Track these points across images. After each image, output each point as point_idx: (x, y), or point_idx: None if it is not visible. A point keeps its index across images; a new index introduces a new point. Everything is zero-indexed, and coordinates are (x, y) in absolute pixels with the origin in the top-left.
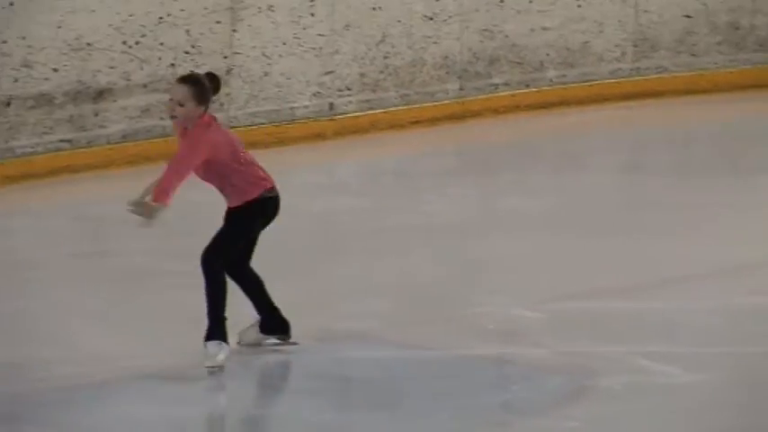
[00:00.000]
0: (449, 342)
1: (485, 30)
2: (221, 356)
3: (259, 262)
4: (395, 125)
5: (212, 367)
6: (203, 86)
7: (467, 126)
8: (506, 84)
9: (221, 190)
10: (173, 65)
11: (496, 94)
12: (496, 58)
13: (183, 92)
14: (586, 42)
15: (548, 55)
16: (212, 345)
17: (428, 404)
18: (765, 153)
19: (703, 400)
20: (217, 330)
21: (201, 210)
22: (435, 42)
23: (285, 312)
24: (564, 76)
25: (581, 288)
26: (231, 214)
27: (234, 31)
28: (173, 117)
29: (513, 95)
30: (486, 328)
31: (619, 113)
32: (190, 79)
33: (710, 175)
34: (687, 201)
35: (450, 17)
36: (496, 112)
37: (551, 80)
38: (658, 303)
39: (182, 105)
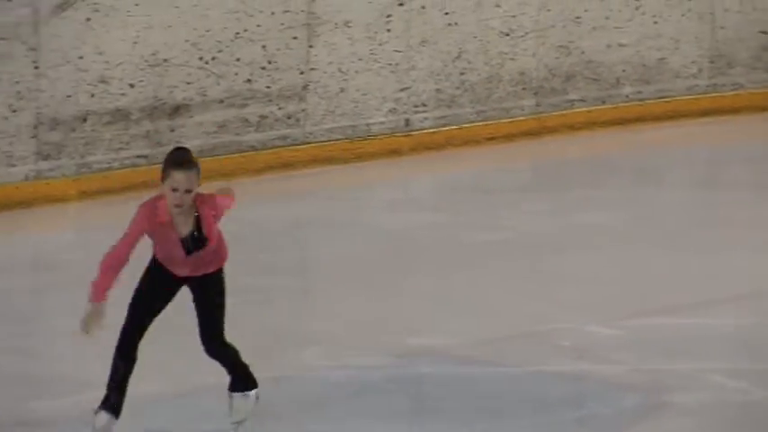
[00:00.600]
0: (525, 358)
1: (561, 46)
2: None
3: (334, 278)
4: (470, 141)
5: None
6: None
7: (543, 142)
8: (582, 100)
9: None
10: (249, 80)
11: (572, 111)
12: (572, 75)
13: (193, 178)
14: (663, 59)
15: (624, 71)
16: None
17: (504, 420)
18: None
19: None
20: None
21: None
22: (512, 59)
23: (362, 328)
24: (640, 92)
25: (656, 304)
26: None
27: (310, 46)
28: (178, 206)
29: (589, 112)
30: (562, 344)
31: (695, 130)
32: (193, 162)
33: None
34: (762, 217)
35: (526, 33)
36: (572, 128)
37: (627, 96)
38: (732, 319)
39: (189, 192)
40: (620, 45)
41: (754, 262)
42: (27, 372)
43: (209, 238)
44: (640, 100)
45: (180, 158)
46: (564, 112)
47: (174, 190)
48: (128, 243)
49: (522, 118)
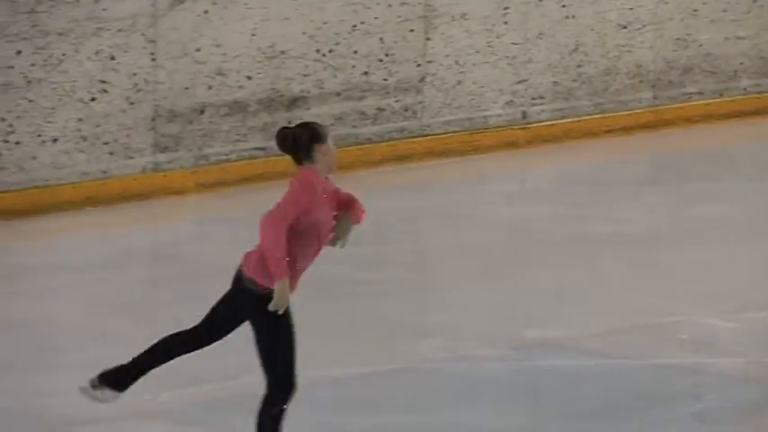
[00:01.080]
0: (642, 351)
1: (679, 39)
2: None
3: (451, 270)
4: (588, 134)
5: None
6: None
7: (660, 135)
8: (700, 93)
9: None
10: (366, 73)
11: (690, 103)
12: (690, 68)
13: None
14: None
15: (741, 64)
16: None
17: (620, 414)
18: None
19: None
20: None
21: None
22: (629, 51)
23: (479, 320)
24: (758, 85)
25: None
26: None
27: (427, 39)
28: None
29: (706, 104)
30: (679, 337)
31: None
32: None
33: None
34: None
35: (643, 26)
36: (690, 121)
37: (745, 89)
38: None
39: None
40: (738, 38)
41: None
42: None
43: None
44: (758, 92)
45: (323, 127)
46: (681, 104)
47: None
48: (287, 225)
49: (639, 110)
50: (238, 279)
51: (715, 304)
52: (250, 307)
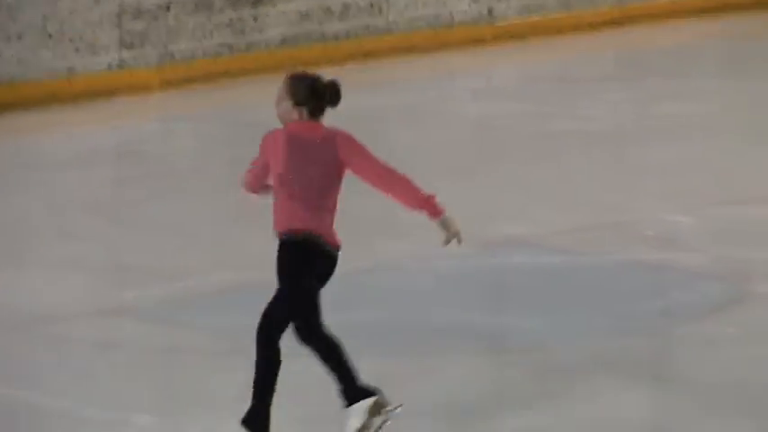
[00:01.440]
0: (607, 248)
1: None
2: None
3: (417, 167)
4: (554, 30)
5: None
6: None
7: (625, 32)
8: None
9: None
10: None
11: (655, 0)
12: None
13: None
14: None
15: None
16: None
17: (584, 310)
18: None
19: None
20: (253, 417)
21: (355, 114)
22: None
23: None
24: None
25: (739, 194)
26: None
27: None
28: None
29: (672, 1)
30: (645, 233)
31: None
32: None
33: None
34: None
35: None
36: (655, 17)
37: None
38: None
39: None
40: None
41: None
42: (116, 262)
43: None
44: None
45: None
46: (647, 1)
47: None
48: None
49: (605, 7)
50: (315, 246)
51: (680, 201)
52: (332, 268)
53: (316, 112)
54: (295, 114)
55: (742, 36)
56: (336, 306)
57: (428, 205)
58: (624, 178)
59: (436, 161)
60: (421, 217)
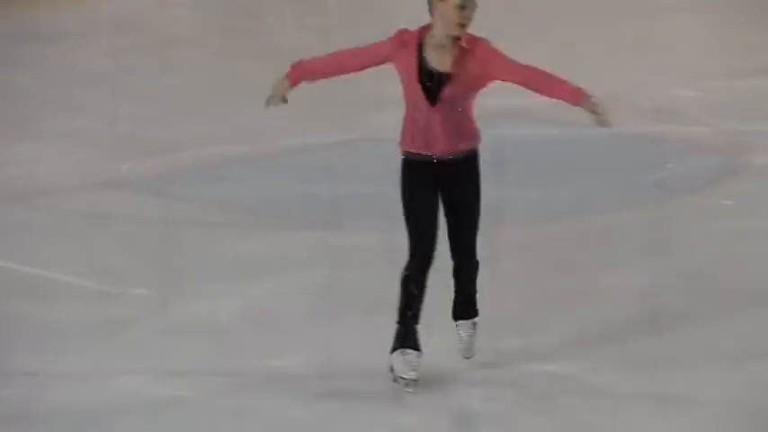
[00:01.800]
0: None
1: None
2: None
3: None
4: None
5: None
6: None
7: None
8: None
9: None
10: None
11: None
12: None
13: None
14: None
15: None
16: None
17: (583, 181)
18: None
19: None
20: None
21: None
22: None
23: None
24: None
25: (739, 66)
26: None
27: None
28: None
29: None
30: (643, 106)
31: None
32: None
33: None
34: None
35: None
36: None
37: None
38: None
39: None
40: None
41: None
42: (111, 134)
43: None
44: None
45: None
46: None
47: (462, 7)
48: (359, 54)
49: None
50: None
51: (679, 74)
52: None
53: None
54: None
55: None
56: (328, 176)
57: (579, 95)
58: (625, 52)
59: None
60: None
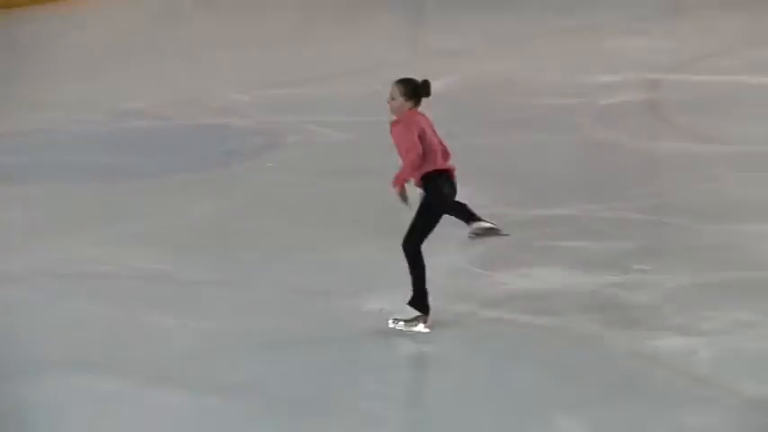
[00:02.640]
0: (190, 115)
1: None
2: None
3: None
4: None
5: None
6: (410, 86)
7: None
8: None
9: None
10: None
11: None
12: None
13: (394, 90)
14: None
15: None
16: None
17: (173, 152)
18: None
19: (345, 147)
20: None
21: None
22: None
23: None
24: None
25: (273, 80)
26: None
27: None
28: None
29: None
30: (211, 106)
31: None
32: (401, 80)
33: None
34: None
35: None
36: None
37: None
38: (325, 90)
39: (393, 99)
40: None
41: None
42: None
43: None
44: None
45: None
46: None
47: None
48: (419, 142)
49: None
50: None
51: (234, 83)
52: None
53: (418, 103)
54: (407, 106)
55: None
56: None
57: (396, 180)
58: (204, 68)
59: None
60: None
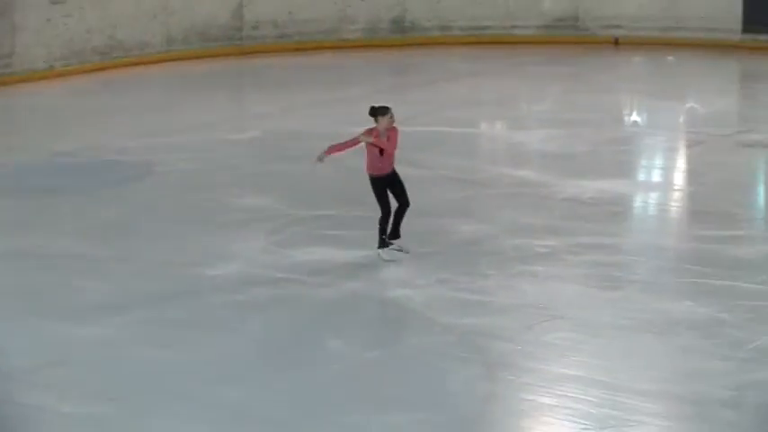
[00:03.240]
0: (89, 154)
1: None
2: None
3: None
4: None
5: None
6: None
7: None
8: None
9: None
10: None
11: None
12: None
13: (391, 112)
14: None
15: None
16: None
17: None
18: None
19: (194, 172)
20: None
21: None
22: None
23: None
24: None
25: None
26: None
27: None
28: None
29: None
30: (110, 148)
31: None
32: (387, 107)
33: None
34: None
35: None
36: None
37: None
38: (182, 138)
39: (391, 117)
40: None
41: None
42: None
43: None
44: None
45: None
46: None
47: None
48: (352, 143)
49: None
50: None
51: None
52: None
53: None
54: (387, 123)
55: None
56: None
57: (330, 150)
58: (106, 126)
59: None
60: None
